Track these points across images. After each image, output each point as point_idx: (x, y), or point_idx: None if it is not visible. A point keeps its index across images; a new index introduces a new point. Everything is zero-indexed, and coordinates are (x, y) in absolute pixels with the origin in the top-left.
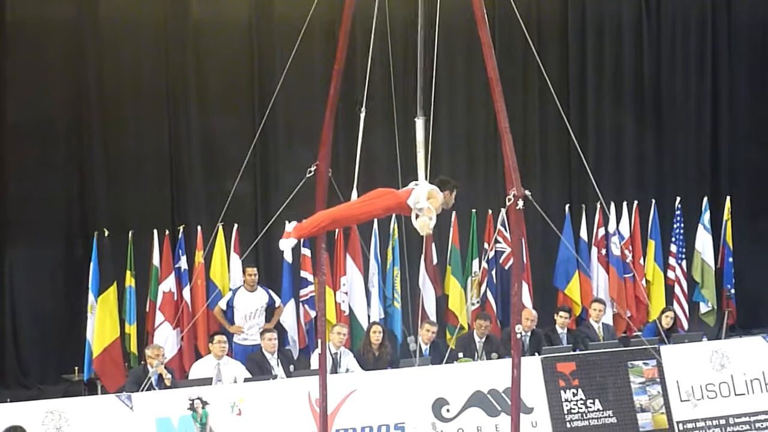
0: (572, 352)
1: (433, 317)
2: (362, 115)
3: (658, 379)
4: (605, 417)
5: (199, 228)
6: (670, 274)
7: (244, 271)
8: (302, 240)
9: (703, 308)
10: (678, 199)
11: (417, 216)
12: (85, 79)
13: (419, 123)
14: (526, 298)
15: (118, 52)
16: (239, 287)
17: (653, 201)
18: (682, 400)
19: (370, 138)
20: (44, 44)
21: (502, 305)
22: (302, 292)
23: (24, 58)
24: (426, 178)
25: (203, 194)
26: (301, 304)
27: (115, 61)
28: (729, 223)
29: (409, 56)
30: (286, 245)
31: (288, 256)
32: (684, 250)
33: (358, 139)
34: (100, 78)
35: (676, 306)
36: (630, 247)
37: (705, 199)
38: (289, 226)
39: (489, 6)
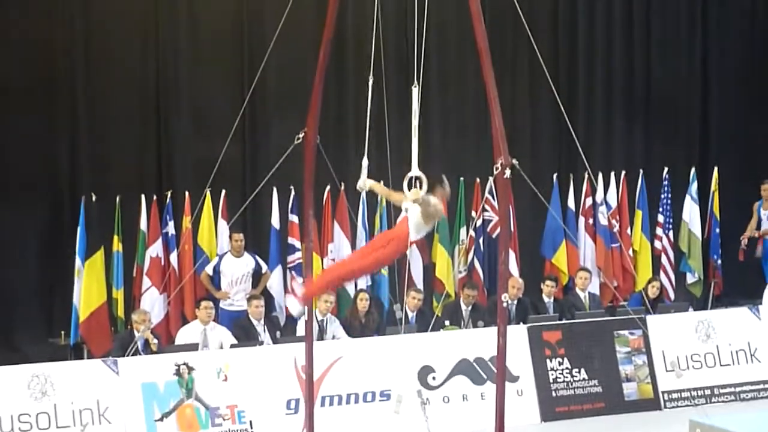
0: (558, 321)
1: (420, 285)
2: (370, 83)
3: (644, 349)
4: (591, 386)
5: (186, 193)
6: (657, 244)
7: (231, 237)
8: (290, 206)
9: (690, 278)
10: (666, 169)
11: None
12: (73, 38)
13: (414, 91)
14: (513, 267)
15: (106, 11)
16: (226, 253)
17: (641, 171)
18: (667, 370)
19: (361, 106)
20: (31, 3)
21: (489, 273)
22: (289, 258)
23: (12, 14)
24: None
25: (191, 160)
26: (288, 270)
27: (102, 18)
28: (716, 194)
29: (401, 24)
30: (293, 307)
31: (295, 313)
32: (671, 220)
33: (367, 108)
34: (88, 38)
35: (662, 276)
36: (617, 217)
37: (693, 170)
38: (297, 288)
39: None
